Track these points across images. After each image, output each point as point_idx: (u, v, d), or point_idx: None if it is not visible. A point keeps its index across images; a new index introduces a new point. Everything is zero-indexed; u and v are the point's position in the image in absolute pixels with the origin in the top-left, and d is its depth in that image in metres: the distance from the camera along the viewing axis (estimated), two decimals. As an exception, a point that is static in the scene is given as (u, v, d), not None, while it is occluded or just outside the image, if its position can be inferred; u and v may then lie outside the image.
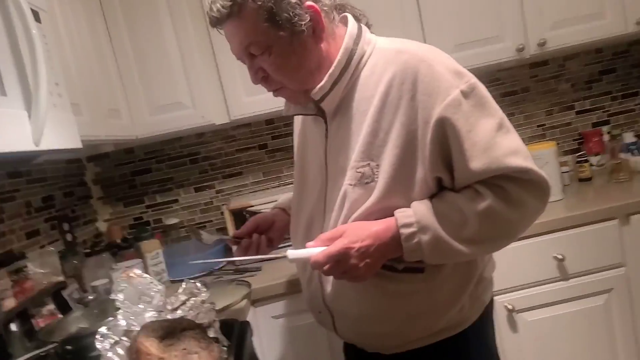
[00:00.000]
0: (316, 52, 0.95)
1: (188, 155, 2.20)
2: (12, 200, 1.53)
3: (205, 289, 1.11)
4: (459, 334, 1.01)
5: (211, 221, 2.24)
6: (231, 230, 1.96)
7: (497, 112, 0.91)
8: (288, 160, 2.21)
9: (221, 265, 1.89)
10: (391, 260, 0.94)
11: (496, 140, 0.87)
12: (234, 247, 1.25)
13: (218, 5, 0.90)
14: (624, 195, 1.75)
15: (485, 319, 1.06)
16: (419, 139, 0.89)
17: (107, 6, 1.75)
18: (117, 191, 2.19)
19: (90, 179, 2.15)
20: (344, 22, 0.99)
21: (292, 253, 0.96)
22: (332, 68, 0.95)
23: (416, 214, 0.89)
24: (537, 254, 1.64)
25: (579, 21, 1.85)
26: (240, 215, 1.95)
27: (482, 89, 0.91)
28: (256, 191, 2.21)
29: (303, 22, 0.90)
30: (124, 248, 1.85)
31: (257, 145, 2.21)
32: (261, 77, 0.97)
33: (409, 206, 0.91)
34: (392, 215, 0.91)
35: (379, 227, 0.90)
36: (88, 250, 1.75)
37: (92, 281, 1.55)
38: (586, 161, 2.05)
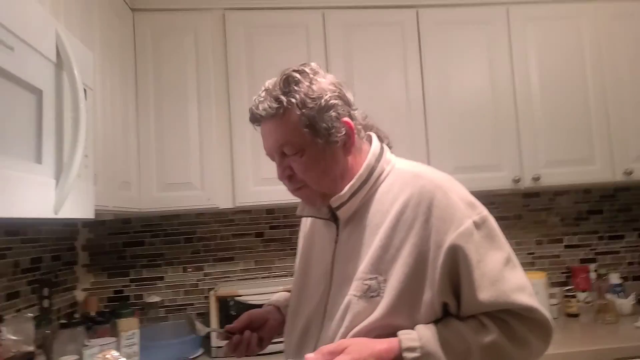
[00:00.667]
0: (343, 162, 1.00)
1: (184, 234, 2.19)
2: (2, 258, 1.50)
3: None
4: None
5: (193, 304, 2.17)
6: (214, 318, 1.90)
7: (505, 246, 0.94)
8: (282, 252, 2.21)
9: (196, 355, 1.80)
10: None
11: (504, 274, 0.89)
12: (224, 342, 1.21)
13: (266, 105, 0.96)
14: (611, 338, 1.75)
15: None
16: (429, 261, 0.91)
17: (142, 87, 1.87)
18: (105, 260, 2.14)
19: (80, 245, 2.11)
20: (369, 139, 1.07)
21: None
22: (354, 180, 1.00)
23: (421, 338, 0.88)
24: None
25: (571, 163, 1.99)
26: (225, 303, 1.90)
27: (492, 221, 0.96)
28: (244, 279, 2.18)
29: (339, 134, 0.96)
30: (99, 322, 1.77)
31: (254, 233, 2.22)
32: (287, 175, 1.01)
33: (412, 327, 0.90)
34: (394, 334, 0.90)
35: (382, 347, 0.88)
36: (64, 321, 1.67)
37: (61, 355, 1.46)
38: (574, 296, 2.07)
